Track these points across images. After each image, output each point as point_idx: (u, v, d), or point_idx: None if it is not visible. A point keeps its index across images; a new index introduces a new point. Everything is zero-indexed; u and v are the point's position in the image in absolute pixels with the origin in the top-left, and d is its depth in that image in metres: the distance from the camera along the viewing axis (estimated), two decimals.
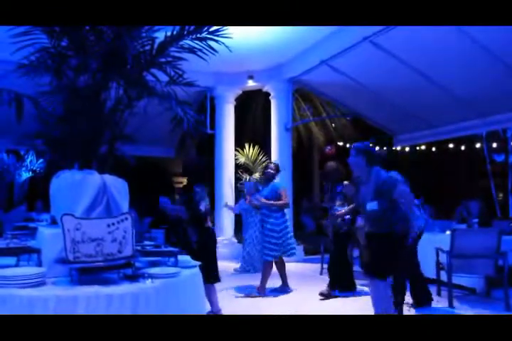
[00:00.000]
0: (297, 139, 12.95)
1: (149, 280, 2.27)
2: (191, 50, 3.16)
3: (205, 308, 3.25)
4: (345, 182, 5.09)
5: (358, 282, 5.59)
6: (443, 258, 4.96)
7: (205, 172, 4.50)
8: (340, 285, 5.39)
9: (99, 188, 2.61)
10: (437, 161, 14.94)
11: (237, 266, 7.34)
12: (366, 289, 5.20)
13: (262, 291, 5.35)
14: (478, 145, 12.90)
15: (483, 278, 5.17)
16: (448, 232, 5.43)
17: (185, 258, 2.88)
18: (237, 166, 9.22)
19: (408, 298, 4.55)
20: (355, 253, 6.46)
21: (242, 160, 9.07)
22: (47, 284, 2.16)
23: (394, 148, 11.46)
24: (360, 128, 12.75)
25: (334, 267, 5.34)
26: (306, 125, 13.37)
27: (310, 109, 13.32)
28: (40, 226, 2.80)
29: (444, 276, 4.99)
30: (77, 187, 2.59)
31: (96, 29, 2.86)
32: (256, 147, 9.12)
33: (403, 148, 12.32)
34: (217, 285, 4.21)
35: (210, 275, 3.83)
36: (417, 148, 13.64)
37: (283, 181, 7.44)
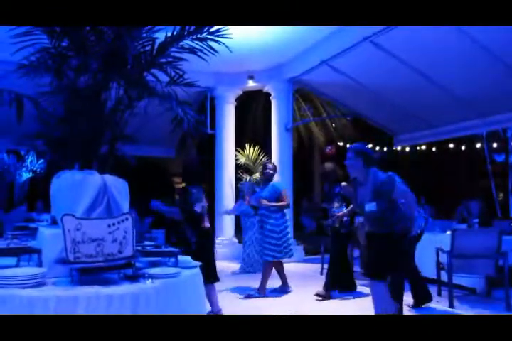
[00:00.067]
0: (297, 139, 12.95)
1: (150, 280, 2.27)
2: (191, 51, 3.16)
3: (206, 308, 3.25)
4: (343, 184, 5.07)
5: (358, 282, 5.59)
6: (443, 258, 4.96)
7: (200, 172, 4.44)
8: (341, 285, 5.40)
9: (99, 188, 2.61)
10: (437, 161, 14.94)
11: (238, 266, 7.34)
12: (366, 289, 5.21)
13: (262, 291, 5.35)
14: (478, 145, 12.91)
15: (484, 278, 5.17)
16: (448, 232, 5.42)
17: (185, 258, 2.89)
18: (238, 166, 9.22)
19: (408, 298, 4.55)
20: (355, 253, 6.46)
21: (242, 160, 9.08)
22: (47, 284, 2.16)
23: (394, 148, 11.46)
24: (360, 128, 12.75)
25: (334, 267, 5.34)
26: (306, 125, 13.37)
27: (310, 109, 13.33)
28: (41, 227, 2.80)
29: (444, 276, 4.99)
30: (77, 187, 2.59)
31: (96, 29, 2.86)
32: (256, 147, 9.13)
33: (403, 148, 12.31)
34: (218, 286, 4.21)
35: (210, 275, 3.83)
36: (418, 148, 13.64)
37: (283, 181, 7.45)
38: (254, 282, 5.68)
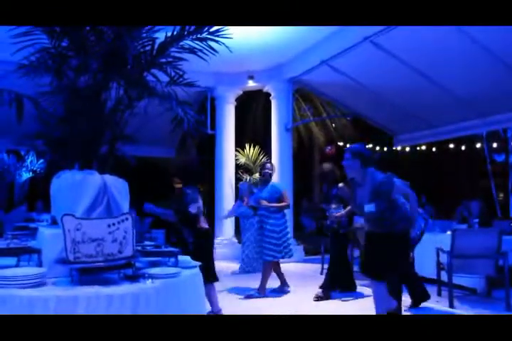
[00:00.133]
0: (297, 139, 12.96)
1: (150, 280, 2.27)
2: (191, 51, 3.16)
3: (206, 308, 3.24)
4: (340, 185, 5.06)
5: (358, 282, 5.59)
6: (443, 258, 4.96)
7: (195, 173, 4.41)
8: (341, 285, 5.40)
9: (99, 188, 2.61)
10: (438, 161, 14.94)
11: (237, 266, 7.33)
12: (367, 289, 5.21)
13: (262, 292, 5.35)
14: (478, 145, 12.92)
15: (484, 278, 5.17)
16: (448, 232, 5.42)
17: (185, 258, 2.88)
18: (238, 166, 9.23)
19: (406, 299, 4.54)
20: (355, 253, 6.46)
21: (242, 160, 9.08)
22: (47, 284, 2.16)
23: (394, 148, 11.46)
24: (360, 128, 12.77)
25: (334, 267, 5.34)
26: (306, 125, 13.38)
27: (310, 109, 13.34)
28: (41, 227, 2.79)
29: (444, 276, 4.98)
30: (77, 187, 2.59)
31: (96, 29, 2.86)
32: (256, 147, 9.14)
33: (403, 148, 12.31)
34: (218, 286, 4.21)
35: (209, 275, 3.82)
36: (418, 148, 13.64)
37: (283, 181, 7.46)
38: (253, 282, 5.68)
